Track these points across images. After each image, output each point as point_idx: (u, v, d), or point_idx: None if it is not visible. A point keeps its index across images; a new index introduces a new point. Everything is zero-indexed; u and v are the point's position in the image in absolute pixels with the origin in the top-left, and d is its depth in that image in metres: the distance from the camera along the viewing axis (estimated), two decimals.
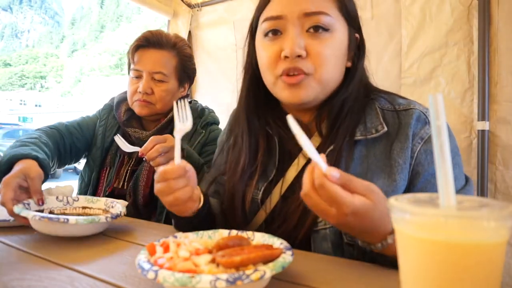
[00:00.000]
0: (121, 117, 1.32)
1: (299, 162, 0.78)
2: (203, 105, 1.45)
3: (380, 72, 1.83)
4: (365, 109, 0.76)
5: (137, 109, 1.26)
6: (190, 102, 1.39)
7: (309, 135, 0.82)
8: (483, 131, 1.59)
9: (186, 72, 1.33)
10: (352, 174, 0.71)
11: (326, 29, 0.71)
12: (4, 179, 0.80)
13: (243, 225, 0.79)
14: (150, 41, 1.23)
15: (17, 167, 0.84)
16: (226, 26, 2.38)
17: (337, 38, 0.72)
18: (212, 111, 1.43)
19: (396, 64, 1.80)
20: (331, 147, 0.73)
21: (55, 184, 1.00)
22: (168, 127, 1.29)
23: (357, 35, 0.79)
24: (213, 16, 2.46)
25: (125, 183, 1.26)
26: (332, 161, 0.71)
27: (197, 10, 2.52)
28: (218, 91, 2.48)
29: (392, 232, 0.54)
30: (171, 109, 1.28)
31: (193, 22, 2.55)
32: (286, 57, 0.70)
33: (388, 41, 1.83)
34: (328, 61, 0.71)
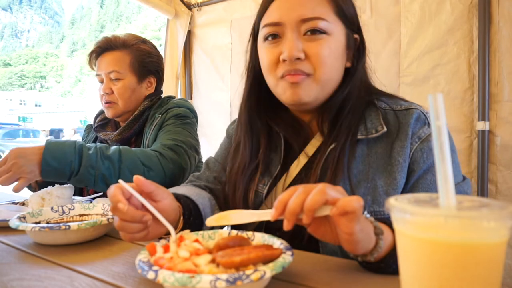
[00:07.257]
0: (94, 125, 1.43)
1: (300, 159, 0.80)
2: (188, 101, 1.50)
3: (378, 70, 1.83)
4: (366, 109, 0.78)
5: (106, 112, 1.37)
6: (159, 98, 1.41)
7: (311, 134, 0.83)
8: (483, 131, 1.59)
9: (145, 67, 1.36)
10: (354, 172, 0.72)
11: (323, 32, 0.73)
12: None
13: None
14: (101, 47, 1.34)
15: None
16: (225, 25, 2.38)
17: (334, 40, 0.74)
18: (182, 99, 1.44)
19: (395, 63, 1.80)
20: (333, 145, 0.74)
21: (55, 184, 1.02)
22: (135, 124, 1.33)
23: (356, 36, 0.80)
24: (213, 16, 2.47)
25: None
26: (334, 159, 0.72)
27: (197, 10, 2.52)
28: (213, 90, 2.49)
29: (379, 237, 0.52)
30: (137, 106, 1.36)
31: (192, 22, 2.55)
32: (284, 60, 0.73)
33: (387, 39, 1.83)
34: (326, 62, 0.73)
